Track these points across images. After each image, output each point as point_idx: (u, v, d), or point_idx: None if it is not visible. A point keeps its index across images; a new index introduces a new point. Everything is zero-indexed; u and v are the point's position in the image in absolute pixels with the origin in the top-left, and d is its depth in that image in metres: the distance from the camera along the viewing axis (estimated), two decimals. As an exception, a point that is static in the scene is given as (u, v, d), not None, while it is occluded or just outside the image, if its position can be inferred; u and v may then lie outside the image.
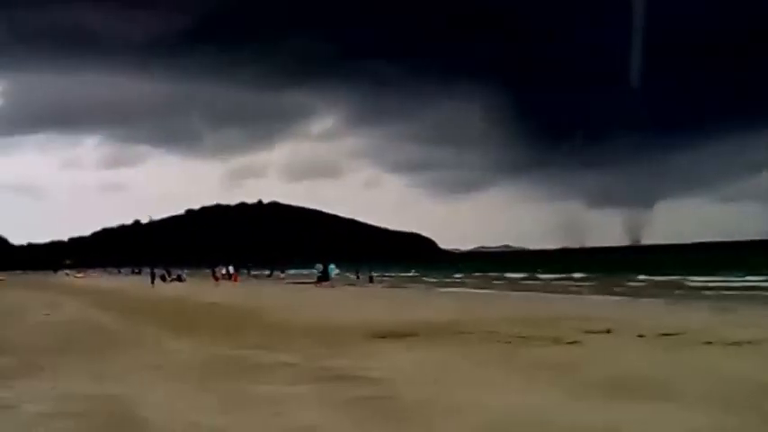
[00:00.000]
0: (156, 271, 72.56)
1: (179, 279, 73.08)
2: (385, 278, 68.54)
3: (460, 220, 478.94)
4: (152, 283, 62.39)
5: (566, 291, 41.58)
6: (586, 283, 49.39)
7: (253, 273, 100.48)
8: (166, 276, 73.01)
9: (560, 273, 63.12)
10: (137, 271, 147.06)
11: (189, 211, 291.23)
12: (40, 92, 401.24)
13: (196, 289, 50.57)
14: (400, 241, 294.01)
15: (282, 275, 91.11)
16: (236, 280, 69.14)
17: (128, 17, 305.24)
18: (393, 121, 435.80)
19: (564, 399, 8.68)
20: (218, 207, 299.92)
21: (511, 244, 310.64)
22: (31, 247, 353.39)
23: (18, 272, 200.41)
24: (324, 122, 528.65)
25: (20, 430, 7.62)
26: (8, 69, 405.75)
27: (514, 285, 51.59)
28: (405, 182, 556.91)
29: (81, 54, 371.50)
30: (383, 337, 15.55)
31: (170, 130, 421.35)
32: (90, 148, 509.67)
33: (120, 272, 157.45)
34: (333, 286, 51.57)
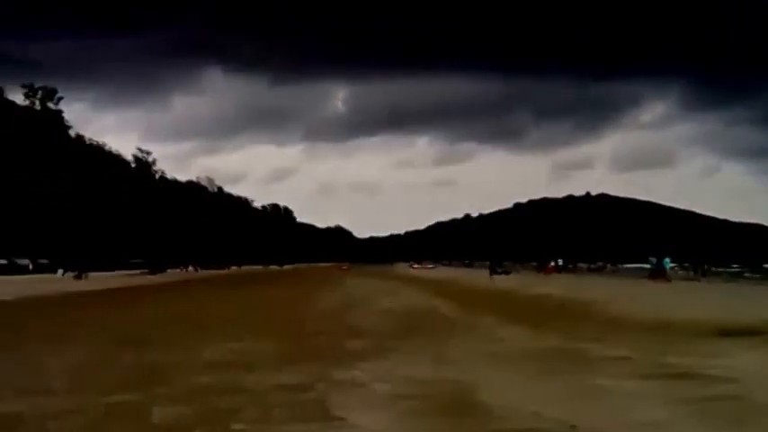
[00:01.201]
0: (493, 264, 74.89)
1: (505, 272, 74.34)
2: (723, 272, 63.79)
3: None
4: (491, 275, 64.43)
5: None
6: None
7: (583, 266, 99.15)
8: (497, 269, 74.63)
9: None
10: (468, 263, 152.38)
11: (517, 205, 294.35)
12: (376, 98, 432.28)
13: (525, 281, 51.01)
14: (742, 233, 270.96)
15: (614, 269, 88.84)
16: (548, 273, 68.57)
17: (453, 20, 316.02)
18: (730, 104, 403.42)
19: None
20: (544, 200, 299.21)
21: None
22: (372, 240, 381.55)
23: (361, 263, 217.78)
24: (654, 110, 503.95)
25: (371, 407, 8.10)
26: (349, 79, 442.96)
27: None
28: (746, 169, 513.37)
29: (413, 60, 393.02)
30: (726, 334, 14.48)
31: (496, 127, 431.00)
32: (422, 147, 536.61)
33: (451, 263, 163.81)
34: (668, 280, 49.13)
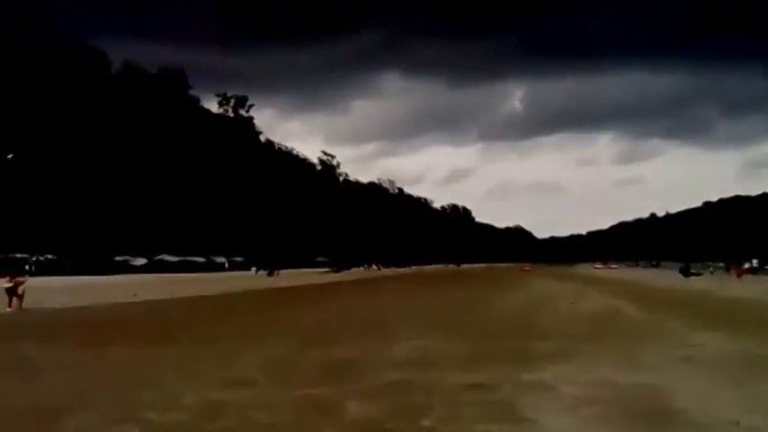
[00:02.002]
0: (686, 265, 72.34)
1: (695, 274, 70.97)
2: None
3: None
4: (686, 276, 62.26)
5: None
6: None
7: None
8: (689, 270, 71.54)
9: None
10: (655, 264, 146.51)
11: (706, 204, 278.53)
12: (555, 96, 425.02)
13: (718, 283, 48.45)
14: None
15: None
16: (740, 275, 64.36)
17: (635, 14, 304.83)
18: None
19: None
20: (737, 198, 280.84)
21: None
22: (552, 240, 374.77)
23: (541, 264, 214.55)
24: None
25: (561, 410, 7.98)
26: (525, 78, 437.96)
27: None
28: None
29: (596, 56, 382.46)
30: None
31: (682, 122, 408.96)
32: (603, 145, 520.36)
33: (637, 264, 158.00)
34: None
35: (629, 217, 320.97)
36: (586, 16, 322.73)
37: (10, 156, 73.77)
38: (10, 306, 24.36)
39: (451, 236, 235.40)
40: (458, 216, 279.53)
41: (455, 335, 15.83)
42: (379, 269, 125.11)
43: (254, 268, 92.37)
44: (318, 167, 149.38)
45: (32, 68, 74.70)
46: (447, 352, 12.80)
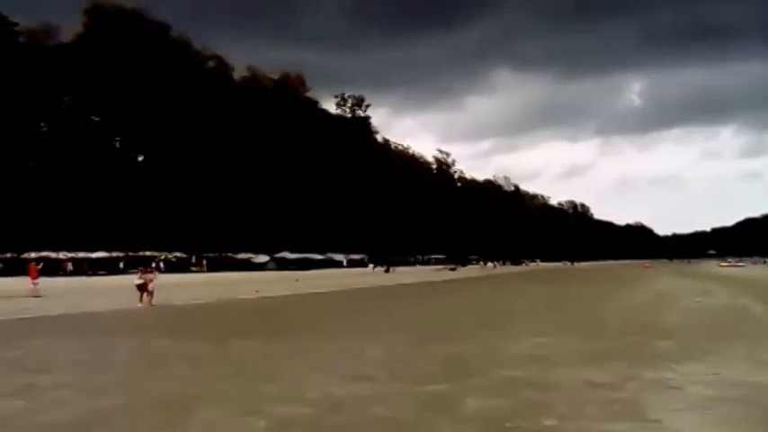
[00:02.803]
0: None
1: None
2: None
3: None
4: None
5: None
6: None
7: None
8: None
9: None
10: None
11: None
12: (675, 88, 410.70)
13: None
14: None
15: None
16: None
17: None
18: None
19: None
20: None
21: None
22: (674, 236, 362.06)
23: (663, 260, 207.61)
24: None
25: (688, 411, 7.75)
26: (644, 70, 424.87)
27: None
28: None
29: (717, 45, 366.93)
30: None
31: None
32: (727, 137, 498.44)
33: (765, 262, 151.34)
34: None
35: (753, 212, 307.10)
36: (707, 3, 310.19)
37: (140, 158, 77.48)
38: (141, 302, 25.59)
39: (569, 233, 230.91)
40: (575, 213, 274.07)
41: (575, 332, 15.59)
42: (494, 266, 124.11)
43: (371, 265, 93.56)
44: (434, 166, 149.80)
45: (158, 76, 78.22)
46: (568, 349, 12.62)
